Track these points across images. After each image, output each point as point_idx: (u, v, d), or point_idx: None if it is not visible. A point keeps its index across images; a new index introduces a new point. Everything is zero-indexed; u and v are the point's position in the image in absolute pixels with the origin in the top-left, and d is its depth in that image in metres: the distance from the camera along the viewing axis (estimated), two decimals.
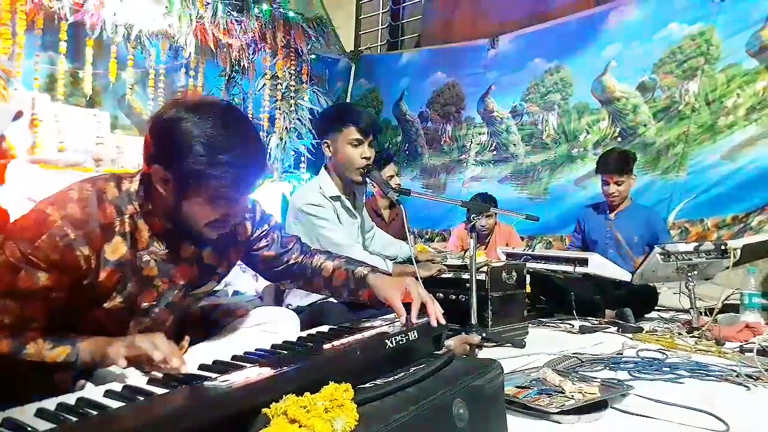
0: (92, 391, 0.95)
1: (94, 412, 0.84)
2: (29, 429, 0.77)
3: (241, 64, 5.17)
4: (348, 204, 2.62)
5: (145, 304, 1.37)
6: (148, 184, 1.31)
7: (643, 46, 5.06)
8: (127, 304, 1.33)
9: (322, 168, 2.68)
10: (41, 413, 0.85)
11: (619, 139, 5.10)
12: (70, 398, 0.90)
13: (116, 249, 1.28)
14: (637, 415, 1.52)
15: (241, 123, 1.26)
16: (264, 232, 1.62)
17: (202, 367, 1.07)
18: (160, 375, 1.04)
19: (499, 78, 5.95)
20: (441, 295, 2.53)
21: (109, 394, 0.93)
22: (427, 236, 6.02)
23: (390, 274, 1.88)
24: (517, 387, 1.64)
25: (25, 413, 0.84)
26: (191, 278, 1.44)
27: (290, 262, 1.68)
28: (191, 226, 1.30)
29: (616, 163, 3.51)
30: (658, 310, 3.29)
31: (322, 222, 2.49)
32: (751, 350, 2.13)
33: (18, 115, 2.04)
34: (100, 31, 4.30)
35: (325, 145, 2.57)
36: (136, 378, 1.09)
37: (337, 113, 2.65)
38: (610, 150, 3.79)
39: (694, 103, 4.70)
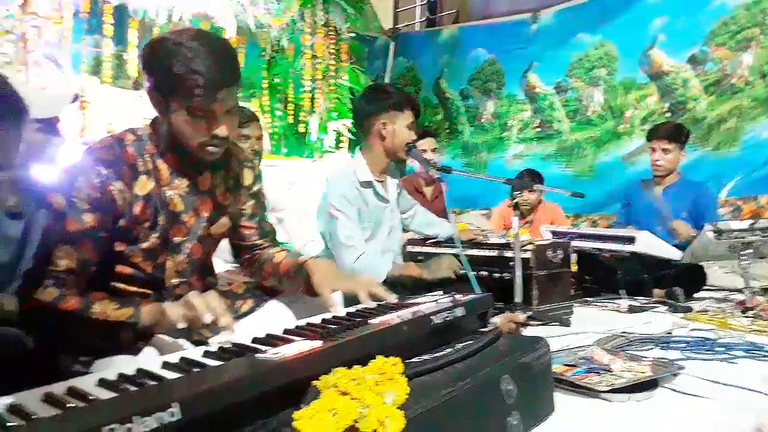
0: (150, 363, 0.97)
1: (153, 383, 0.87)
2: (91, 397, 0.80)
3: (281, 44, 5.17)
4: (379, 188, 2.61)
5: (177, 238, 1.49)
6: (156, 125, 1.46)
7: (693, 17, 4.85)
8: (162, 241, 1.45)
9: (358, 152, 2.68)
10: (103, 383, 0.87)
11: (669, 114, 4.93)
12: (130, 369, 0.93)
13: (143, 185, 1.42)
14: (690, 395, 1.49)
15: (212, 38, 1.42)
16: (254, 196, 1.69)
17: (254, 339, 1.09)
18: (214, 348, 1.06)
19: (542, 53, 5.80)
20: (485, 273, 2.51)
21: (166, 365, 0.96)
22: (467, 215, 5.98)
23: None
24: (565, 365, 1.62)
25: (86, 383, 0.87)
26: (211, 211, 1.55)
27: (258, 244, 1.72)
28: (188, 147, 1.41)
29: (666, 130, 3.43)
30: (709, 290, 3.20)
31: (337, 213, 2.49)
32: None
33: (74, 98, 2.11)
34: (143, 14, 4.36)
35: (381, 124, 2.55)
36: (192, 349, 1.11)
37: (396, 95, 2.62)
38: (663, 122, 3.70)
39: (747, 76, 4.50)
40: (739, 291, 2.73)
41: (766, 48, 4.42)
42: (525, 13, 5.93)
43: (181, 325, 1.23)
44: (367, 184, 2.58)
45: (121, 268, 1.44)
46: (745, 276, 2.62)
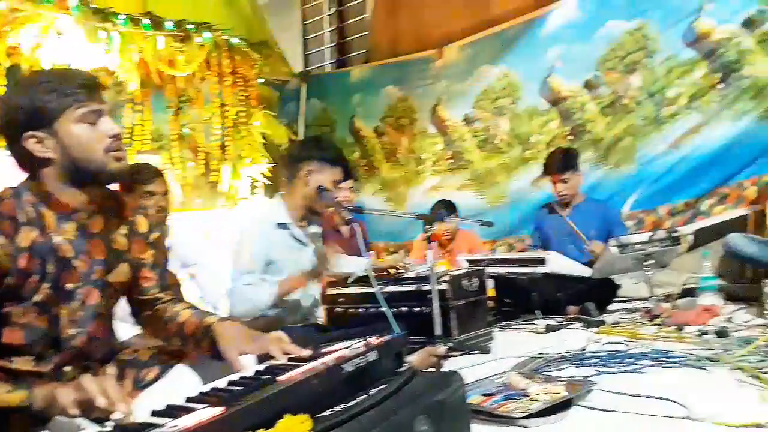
0: None
1: None
2: None
3: (188, 94, 5.10)
4: (296, 232, 2.61)
5: (69, 285, 1.42)
6: (31, 173, 1.42)
7: (585, 44, 5.16)
8: (53, 290, 1.38)
9: (277, 195, 2.71)
10: None
11: (571, 137, 5.18)
12: None
13: (26, 236, 1.35)
14: (602, 410, 1.54)
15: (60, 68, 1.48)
16: (153, 245, 1.63)
17: (154, 413, 1.04)
18: (111, 427, 1.01)
19: (449, 88, 5.99)
20: (405, 308, 2.52)
21: None
22: (392, 250, 6.02)
23: None
24: (484, 395, 1.65)
25: None
26: (106, 255, 1.49)
27: (158, 297, 1.64)
28: (92, 161, 1.39)
29: (558, 162, 3.61)
30: (621, 301, 3.34)
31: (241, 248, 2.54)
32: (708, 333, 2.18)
33: None
34: None
35: (307, 170, 2.57)
36: (92, 429, 1.06)
37: (332, 150, 2.71)
38: (552, 151, 3.91)
39: (637, 96, 4.80)
40: (648, 300, 2.87)
41: (651, 70, 4.75)
42: (430, 50, 6.13)
43: (74, 411, 1.14)
44: (283, 226, 2.59)
45: (9, 337, 1.35)
46: (649, 285, 2.76)
